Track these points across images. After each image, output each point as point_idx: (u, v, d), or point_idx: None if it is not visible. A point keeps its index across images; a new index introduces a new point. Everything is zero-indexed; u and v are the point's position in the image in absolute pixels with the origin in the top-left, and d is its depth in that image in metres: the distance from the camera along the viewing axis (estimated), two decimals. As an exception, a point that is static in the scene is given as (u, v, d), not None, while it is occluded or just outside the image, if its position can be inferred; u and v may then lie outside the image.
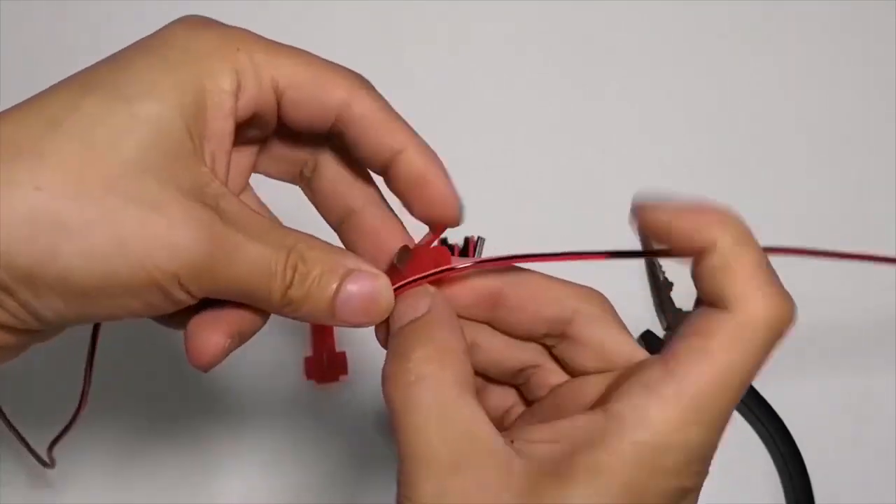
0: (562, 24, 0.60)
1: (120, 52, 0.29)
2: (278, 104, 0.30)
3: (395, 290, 0.31)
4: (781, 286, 0.29)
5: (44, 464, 0.42)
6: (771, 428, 0.50)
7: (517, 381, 0.34)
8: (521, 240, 0.53)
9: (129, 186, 0.27)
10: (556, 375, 0.33)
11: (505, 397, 0.35)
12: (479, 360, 0.34)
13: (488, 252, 0.47)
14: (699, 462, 0.28)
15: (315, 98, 0.30)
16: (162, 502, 0.49)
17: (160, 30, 0.30)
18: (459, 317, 0.32)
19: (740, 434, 0.50)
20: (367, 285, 0.30)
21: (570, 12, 0.60)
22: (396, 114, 0.32)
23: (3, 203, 0.26)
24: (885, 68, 0.59)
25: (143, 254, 0.27)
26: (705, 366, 0.27)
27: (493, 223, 0.52)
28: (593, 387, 0.31)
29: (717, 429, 0.28)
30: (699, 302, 0.30)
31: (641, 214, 0.31)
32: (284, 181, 0.34)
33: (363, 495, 0.50)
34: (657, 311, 0.53)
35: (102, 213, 0.26)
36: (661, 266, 0.53)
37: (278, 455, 0.50)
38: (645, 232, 0.31)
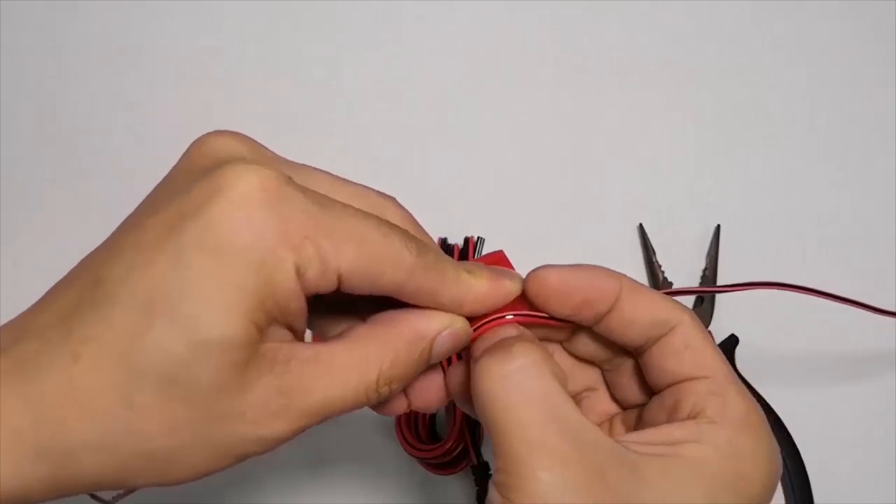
0: (562, 24, 0.60)
1: (174, 236, 0.27)
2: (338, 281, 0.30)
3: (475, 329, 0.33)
4: None
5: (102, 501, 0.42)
6: (771, 428, 0.50)
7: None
8: (521, 239, 0.54)
9: (212, 411, 0.27)
10: (607, 402, 0.36)
11: None
12: None
13: (488, 251, 0.47)
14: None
15: (372, 283, 0.30)
16: None
17: (209, 205, 0.27)
18: (566, 321, 0.33)
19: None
20: (450, 337, 0.32)
21: (570, 12, 0.60)
22: (443, 273, 0.31)
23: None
24: (886, 68, 0.59)
25: (243, 454, 0.29)
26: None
27: (492, 223, 0.52)
28: (685, 396, 0.32)
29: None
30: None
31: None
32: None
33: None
34: (657, 311, 0.53)
35: (196, 442, 0.27)
36: (660, 266, 0.53)
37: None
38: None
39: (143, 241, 0.27)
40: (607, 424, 0.35)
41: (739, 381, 0.32)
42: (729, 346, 0.51)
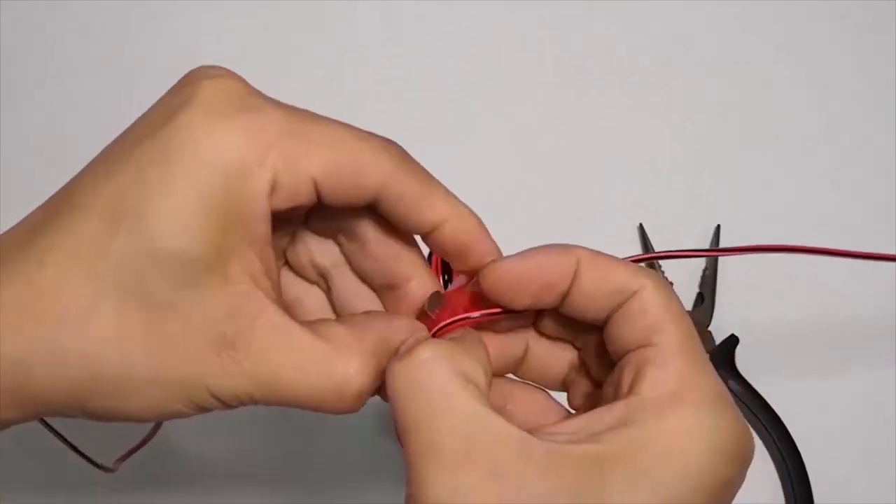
0: (562, 24, 0.60)
1: (138, 148, 0.27)
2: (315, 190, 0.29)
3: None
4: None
5: (105, 469, 0.42)
6: (771, 428, 0.50)
7: (564, 387, 0.34)
8: (521, 239, 0.54)
9: (164, 332, 0.27)
10: (591, 382, 0.33)
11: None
12: (529, 369, 0.34)
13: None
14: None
15: (352, 184, 0.29)
16: None
17: (175, 117, 0.27)
18: (531, 309, 0.32)
19: (740, 434, 0.50)
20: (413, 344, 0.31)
21: (570, 12, 0.60)
22: (434, 183, 0.31)
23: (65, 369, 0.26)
24: (886, 68, 0.59)
25: (187, 399, 0.28)
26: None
27: (492, 222, 0.52)
28: (626, 367, 0.30)
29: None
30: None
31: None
32: (309, 281, 0.34)
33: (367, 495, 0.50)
34: (657, 311, 0.53)
35: (149, 365, 0.27)
36: (660, 266, 0.53)
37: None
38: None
39: (111, 154, 0.27)
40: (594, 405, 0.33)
41: (695, 352, 0.29)
42: (729, 346, 0.51)
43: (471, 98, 0.58)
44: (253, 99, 0.28)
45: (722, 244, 0.54)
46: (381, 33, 0.59)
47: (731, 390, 0.50)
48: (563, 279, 0.30)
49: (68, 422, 0.40)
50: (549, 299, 0.31)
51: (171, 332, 0.27)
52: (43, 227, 0.27)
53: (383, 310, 0.34)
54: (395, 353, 0.30)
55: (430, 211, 0.30)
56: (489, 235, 0.32)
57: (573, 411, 0.34)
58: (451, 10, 0.60)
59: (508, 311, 0.32)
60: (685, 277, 0.54)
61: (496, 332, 0.33)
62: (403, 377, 0.28)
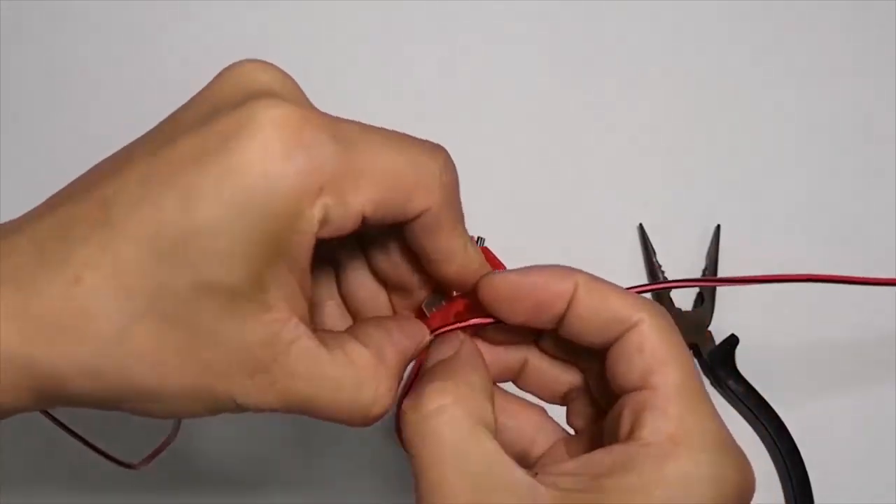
0: (562, 24, 0.60)
1: (184, 173, 0.26)
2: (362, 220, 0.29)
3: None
4: None
5: (129, 466, 0.42)
6: (771, 428, 0.50)
7: (564, 402, 0.35)
8: (521, 239, 0.54)
9: (202, 359, 0.27)
10: (594, 404, 0.34)
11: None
12: (527, 382, 0.34)
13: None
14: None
15: (398, 214, 0.29)
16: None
17: (228, 148, 0.26)
18: (528, 327, 0.32)
19: (740, 435, 0.50)
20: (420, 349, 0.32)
21: (570, 12, 0.60)
22: (462, 220, 0.31)
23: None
24: (885, 67, 0.59)
25: (214, 410, 0.28)
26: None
27: (492, 222, 0.52)
28: (624, 410, 0.30)
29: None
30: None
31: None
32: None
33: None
34: (657, 311, 0.53)
35: (175, 389, 0.27)
36: (660, 266, 0.53)
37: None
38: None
39: (155, 173, 0.26)
40: (598, 429, 0.33)
41: (695, 393, 0.29)
42: (729, 346, 0.51)
43: (470, 98, 0.58)
44: (309, 132, 0.27)
45: (722, 244, 0.54)
46: (380, 33, 0.59)
47: (731, 390, 0.50)
48: (557, 301, 0.30)
49: (84, 419, 0.40)
50: (543, 319, 0.31)
51: (207, 356, 0.27)
52: (78, 238, 0.26)
53: (385, 299, 0.34)
54: (409, 362, 0.31)
55: (445, 248, 0.31)
56: (488, 266, 0.33)
57: (569, 429, 0.34)
58: (450, 10, 0.60)
59: (504, 324, 0.32)
60: (685, 278, 0.54)
61: (493, 342, 0.34)
62: (417, 428, 0.28)
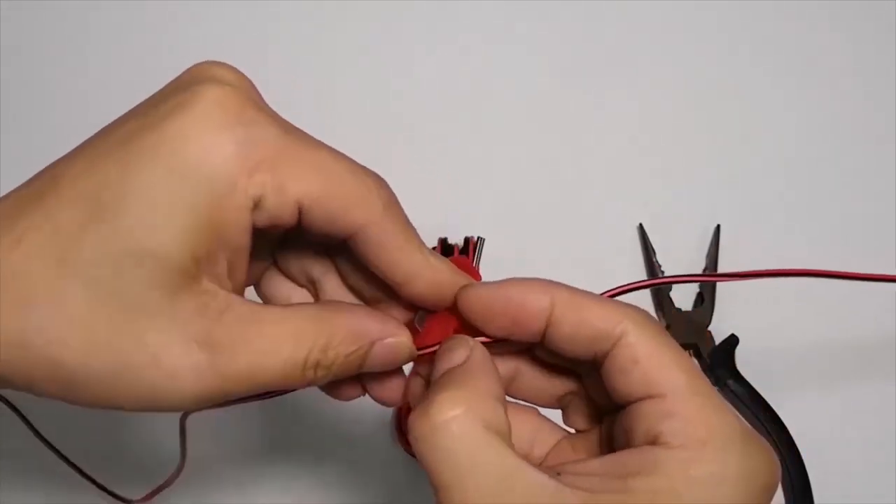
0: (563, 24, 0.60)
1: (126, 145, 0.27)
2: (298, 213, 0.29)
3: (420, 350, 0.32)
4: None
5: (127, 502, 0.42)
6: (770, 428, 0.50)
7: (560, 406, 0.34)
8: (521, 239, 0.54)
9: (133, 331, 0.27)
10: (592, 404, 0.33)
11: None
12: (519, 390, 0.34)
13: (488, 251, 0.47)
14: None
15: (336, 218, 0.29)
16: None
17: (169, 119, 0.27)
18: (508, 341, 0.31)
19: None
20: (390, 350, 0.31)
21: (570, 12, 0.60)
22: (413, 234, 0.30)
23: (28, 354, 0.26)
24: (885, 67, 0.59)
25: (151, 400, 0.27)
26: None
27: (492, 223, 0.52)
28: (637, 421, 0.29)
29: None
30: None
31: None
32: (298, 284, 0.34)
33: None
34: (656, 310, 0.53)
35: (111, 360, 0.27)
36: (660, 266, 0.53)
37: None
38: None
39: (100, 146, 0.27)
40: (598, 430, 0.33)
41: (705, 391, 0.28)
42: (729, 346, 0.51)
43: (471, 98, 0.58)
44: (252, 112, 0.27)
45: (722, 244, 0.54)
46: (380, 32, 0.59)
47: (731, 390, 0.50)
48: (534, 317, 0.30)
49: (85, 453, 0.40)
50: (523, 334, 0.30)
51: (139, 328, 0.27)
52: (26, 207, 0.27)
53: None
54: (370, 347, 0.30)
55: (406, 263, 0.30)
56: (465, 279, 0.32)
57: (569, 429, 0.34)
58: (450, 11, 0.60)
59: (489, 340, 0.31)
60: (685, 277, 0.54)
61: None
62: (429, 442, 0.27)
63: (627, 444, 0.29)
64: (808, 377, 0.52)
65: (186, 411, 0.30)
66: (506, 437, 0.28)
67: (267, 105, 0.29)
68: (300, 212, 0.28)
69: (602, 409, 0.33)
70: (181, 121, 0.26)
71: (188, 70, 0.29)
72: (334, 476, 0.51)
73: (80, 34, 0.59)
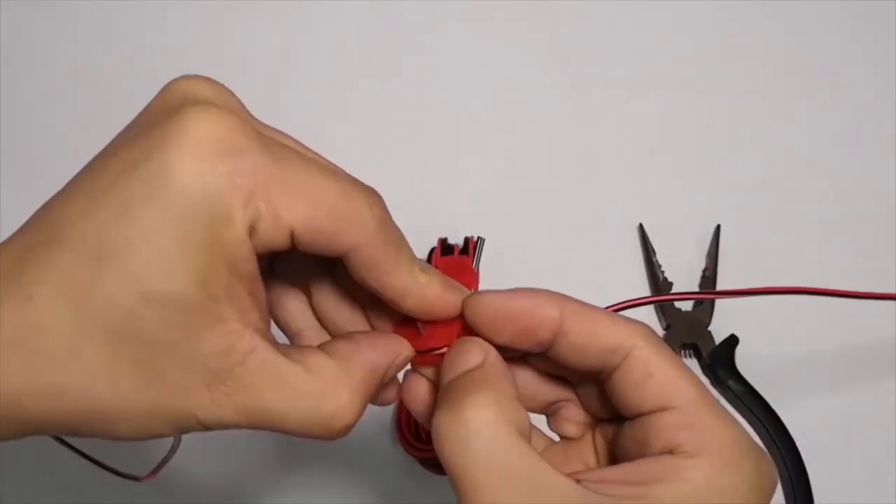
0: (562, 24, 0.60)
1: (120, 182, 0.26)
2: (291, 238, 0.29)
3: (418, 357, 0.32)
4: None
5: (132, 477, 0.42)
6: (770, 428, 0.50)
7: (547, 412, 0.34)
8: (522, 239, 0.54)
9: (157, 372, 0.27)
10: (581, 413, 0.34)
11: None
12: None
13: (488, 251, 0.47)
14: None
15: (328, 242, 0.29)
16: None
17: (160, 153, 0.26)
18: (513, 349, 0.31)
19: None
20: (397, 370, 0.31)
21: (570, 12, 0.60)
22: (405, 251, 0.30)
23: (45, 408, 0.26)
24: (885, 68, 0.59)
25: (188, 428, 0.28)
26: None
27: (492, 223, 0.52)
28: (652, 431, 0.30)
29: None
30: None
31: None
32: (292, 285, 0.34)
33: None
34: (657, 310, 0.53)
35: (143, 400, 0.27)
36: (660, 266, 0.53)
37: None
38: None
39: (95, 186, 0.27)
40: (590, 437, 0.34)
41: (715, 403, 0.29)
42: (729, 346, 0.51)
43: (471, 98, 0.58)
44: (241, 137, 0.27)
45: (722, 244, 0.54)
46: (379, 33, 0.59)
47: (731, 390, 0.50)
48: (543, 328, 0.30)
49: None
50: (528, 344, 0.31)
51: (162, 368, 0.27)
52: (30, 260, 0.27)
53: (363, 320, 0.34)
54: (383, 379, 0.30)
55: (394, 283, 0.30)
56: (459, 292, 0.32)
57: (554, 435, 0.34)
58: (449, 11, 0.60)
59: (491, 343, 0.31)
60: (685, 278, 0.54)
61: None
62: (460, 442, 0.27)
63: (640, 453, 0.30)
64: (807, 377, 0.53)
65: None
66: (527, 437, 0.28)
67: (253, 119, 0.29)
68: (293, 238, 0.28)
69: (595, 417, 0.33)
70: (171, 155, 0.26)
71: (169, 88, 0.29)
72: (334, 476, 0.51)
73: (70, 34, 0.59)
